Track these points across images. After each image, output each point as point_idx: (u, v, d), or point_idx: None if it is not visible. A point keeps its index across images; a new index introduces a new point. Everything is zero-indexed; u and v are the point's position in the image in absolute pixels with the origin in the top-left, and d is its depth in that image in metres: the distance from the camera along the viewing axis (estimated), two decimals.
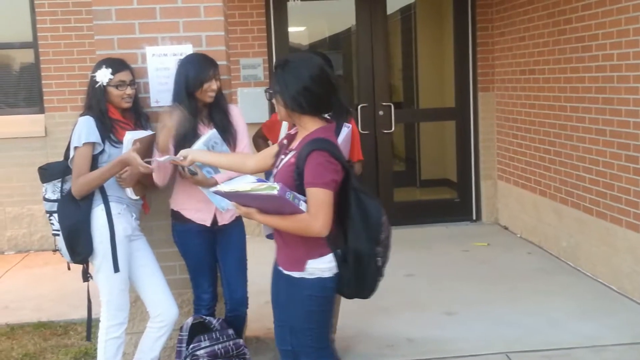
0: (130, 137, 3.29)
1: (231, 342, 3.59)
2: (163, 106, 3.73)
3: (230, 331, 3.61)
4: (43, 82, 7.09)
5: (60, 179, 3.39)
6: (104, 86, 3.37)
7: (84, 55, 6.93)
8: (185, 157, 3.12)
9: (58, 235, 3.36)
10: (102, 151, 3.34)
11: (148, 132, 3.46)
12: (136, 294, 3.59)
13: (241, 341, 3.64)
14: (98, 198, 3.35)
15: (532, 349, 4.14)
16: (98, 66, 3.41)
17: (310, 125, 2.68)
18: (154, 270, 3.55)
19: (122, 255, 3.36)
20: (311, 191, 2.56)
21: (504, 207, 7.28)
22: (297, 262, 2.69)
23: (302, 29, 8.18)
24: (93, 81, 3.39)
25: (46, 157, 6.57)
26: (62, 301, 5.27)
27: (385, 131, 7.32)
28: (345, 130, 3.65)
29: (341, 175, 2.62)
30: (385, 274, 2.80)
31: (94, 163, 3.34)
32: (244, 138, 3.63)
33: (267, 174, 3.36)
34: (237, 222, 3.71)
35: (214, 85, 3.48)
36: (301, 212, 2.55)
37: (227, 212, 3.60)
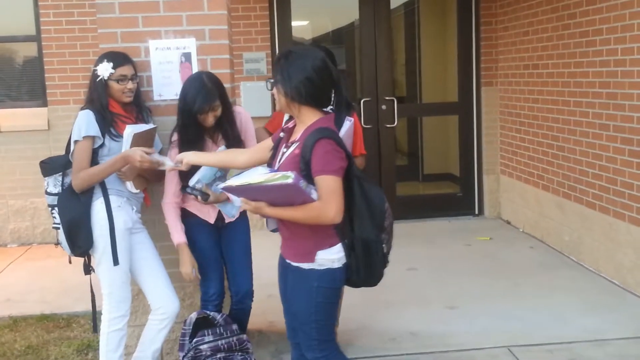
0: (130, 130, 3.28)
1: (235, 338, 3.59)
2: (166, 100, 3.73)
3: (235, 326, 3.61)
4: (46, 75, 7.09)
5: (61, 173, 3.40)
6: (105, 80, 3.37)
7: (87, 48, 6.93)
8: (181, 162, 3.18)
9: (59, 228, 3.37)
10: (102, 145, 3.34)
11: (149, 126, 3.46)
12: (138, 286, 3.60)
13: (245, 336, 3.63)
14: (98, 191, 3.35)
15: (534, 343, 4.14)
16: (100, 60, 3.41)
17: (309, 117, 2.69)
18: (155, 263, 3.55)
19: (123, 248, 3.37)
20: (321, 179, 2.56)
21: (506, 201, 7.28)
22: (306, 253, 2.69)
23: (305, 23, 8.16)
24: (94, 75, 3.39)
25: (49, 151, 6.59)
26: (65, 294, 5.28)
27: (388, 125, 7.32)
28: (347, 124, 3.65)
29: (346, 163, 2.63)
30: (388, 268, 2.81)
31: (94, 157, 3.34)
32: (253, 141, 3.62)
33: (272, 170, 3.36)
34: (242, 216, 3.72)
35: (210, 117, 3.39)
36: (313, 200, 2.56)
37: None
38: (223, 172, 3.44)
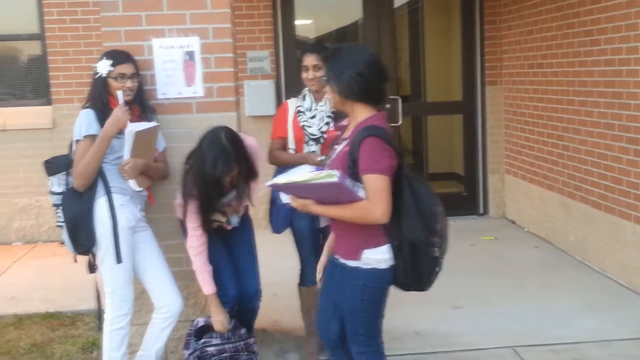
0: (132, 128, 3.28)
1: (242, 343, 3.58)
2: (169, 98, 3.73)
3: (243, 331, 3.60)
4: (50, 74, 7.11)
5: (65, 172, 3.39)
6: (104, 78, 3.37)
7: (91, 47, 6.92)
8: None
9: (62, 226, 3.37)
10: None
11: (151, 124, 3.44)
12: (142, 285, 3.60)
13: (252, 340, 3.62)
14: (101, 190, 3.34)
15: (539, 343, 4.13)
16: (101, 57, 3.41)
17: (361, 114, 2.68)
18: (159, 262, 3.55)
19: (126, 246, 3.36)
20: (368, 177, 2.55)
21: (511, 201, 7.26)
22: (353, 251, 2.69)
23: (308, 21, 8.15)
24: (95, 72, 3.40)
25: (53, 149, 6.58)
26: (70, 292, 5.28)
27: (392, 124, 7.30)
28: None
29: (396, 162, 2.61)
30: None
31: None
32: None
33: (318, 169, 3.34)
34: (245, 217, 3.71)
35: (229, 178, 3.32)
36: (360, 199, 2.55)
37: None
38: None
